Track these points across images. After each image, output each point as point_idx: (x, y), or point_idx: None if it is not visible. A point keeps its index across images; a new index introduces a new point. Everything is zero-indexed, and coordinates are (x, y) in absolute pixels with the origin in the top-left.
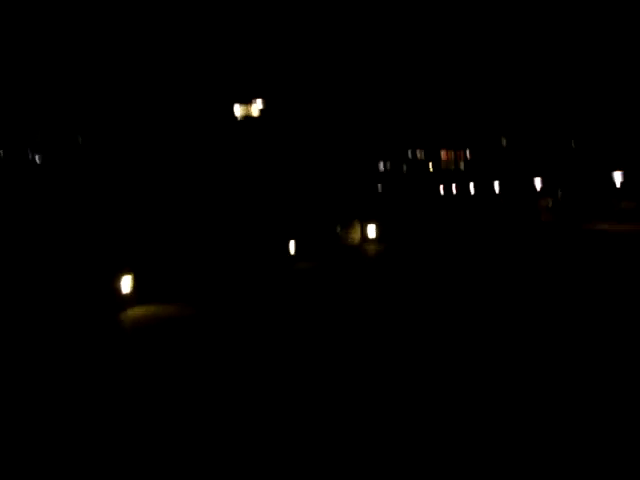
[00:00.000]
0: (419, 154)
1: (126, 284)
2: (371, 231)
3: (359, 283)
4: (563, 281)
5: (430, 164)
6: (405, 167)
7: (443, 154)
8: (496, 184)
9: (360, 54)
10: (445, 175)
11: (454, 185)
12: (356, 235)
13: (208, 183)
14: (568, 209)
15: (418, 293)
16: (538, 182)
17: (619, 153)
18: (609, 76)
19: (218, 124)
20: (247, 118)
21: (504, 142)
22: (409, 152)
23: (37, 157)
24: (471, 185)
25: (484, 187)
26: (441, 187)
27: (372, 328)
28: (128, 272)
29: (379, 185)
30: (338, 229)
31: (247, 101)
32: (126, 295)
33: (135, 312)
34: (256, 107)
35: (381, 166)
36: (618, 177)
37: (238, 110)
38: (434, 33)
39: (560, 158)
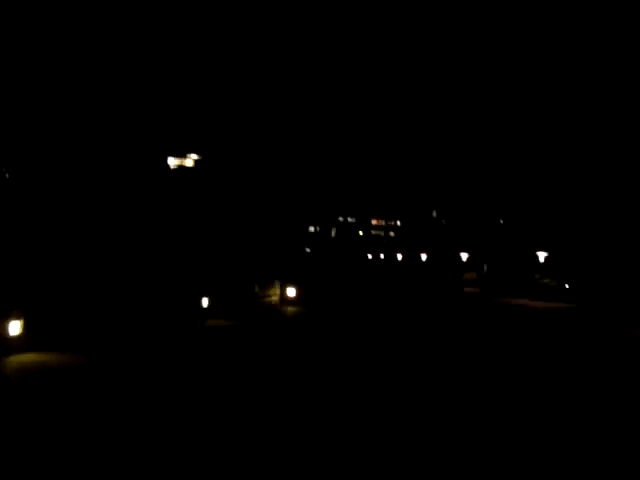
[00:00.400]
0: (350, 220)
1: (14, 327)
2: (291, 292)
3: (271, 346)
4: (473, 349)
5: (360, 231)
6: (334, 231)
7: (374, 221)
8: (423, 255)
9: (296, 119)
10: (374, 242)
11: (382, 253)
12: (275, 295)
13: (123, 225)
14: (491, 283)
15: (335, 362)
16: (464, 256)
17: (544, 233)
18: (538, 159)
19: (151, 173)
20: (181, 168)
21: (434, 214)
22: (340, 218)
23: None
24: (399, 254)
25: (412, 256)
26: (369, 253)
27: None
28: (17, 314)
29: (306, 248)
30: (256, 288)
31: (182, 154)
32: (13, 339)
33: (22, 358)
34: (190, 160)
35: (311, 229)
36: (541, 256)
37: (172, 161)
38: (372, 101)
39: (488, 234)
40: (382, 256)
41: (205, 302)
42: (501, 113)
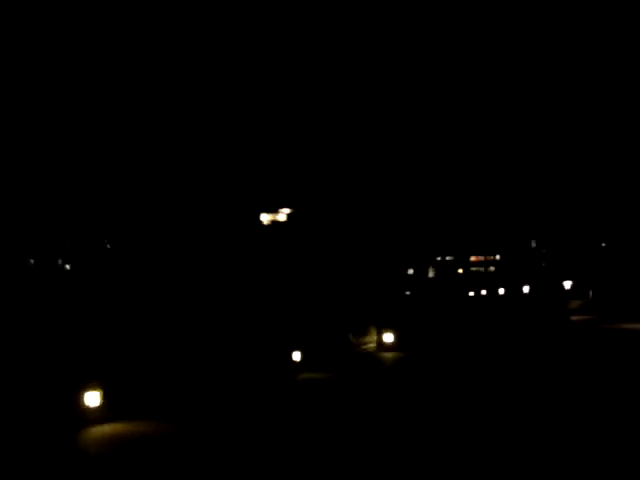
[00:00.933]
0: (448, 258)
1: (93, 398)
2: (388, 338)
3: (372, 403)
4: (584, 385)
5: (459, 269)
6: (432, 271)
7: (473, 258)
8: (525, 287)
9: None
10: (474, 278)
11: (483, 289)
12: (371, 342)
13: (212, 283)
14: (600, 309)
15: (436, 418)
16: (568, 283)
17: None
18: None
19: (245, 229)
20: (274, 223)
21: (534, 244)
22: (438, 257)
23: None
24: (500, 289)
25: (514, 290)
26: (470, 291)
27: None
28: (96, 384)
29: (405, 291)
30: (351, 336)
31: (274, 210)
32: (92, 410)
33: (104, 429)
34: (282, 214)
35: (410, 271)
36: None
37: (265, 217)
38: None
39: (591, 259)
40: (484, 292)
41: (297, 356)
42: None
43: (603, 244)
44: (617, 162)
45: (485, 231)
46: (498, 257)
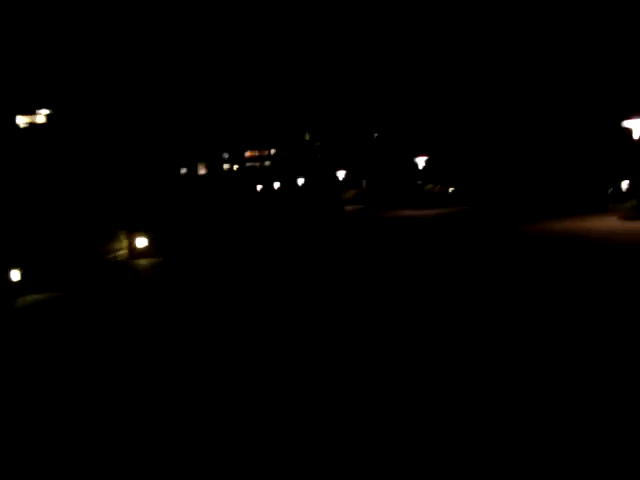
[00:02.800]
0: (225, 155)
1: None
2: (141, 242)
3: (111, 325)
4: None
5: (234, 165)
6: (204, 169)
7: (248, 153)
8: (300, 180)
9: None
10: (250, 174)
11: (258, 184)
12: (121, 249)
13: None
14: (373, 198)
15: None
16: (342, 174)
17: (421, 139)
18: (405, 65)
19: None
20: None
21: (307, 137)
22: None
23: None
24: (276, 183)
25: (289, 183)
26: (244, 186)
27: None
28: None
29: (169, 191)
30: (93, 244)
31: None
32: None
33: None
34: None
35: (183, 170)
36: (421, 161)
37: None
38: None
39: (363, 149)
40: (258, 187)
41: (16, 274)
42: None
43: (375, 134)
44: (387, 55)
45: (259, 126)
46: (273, 151)
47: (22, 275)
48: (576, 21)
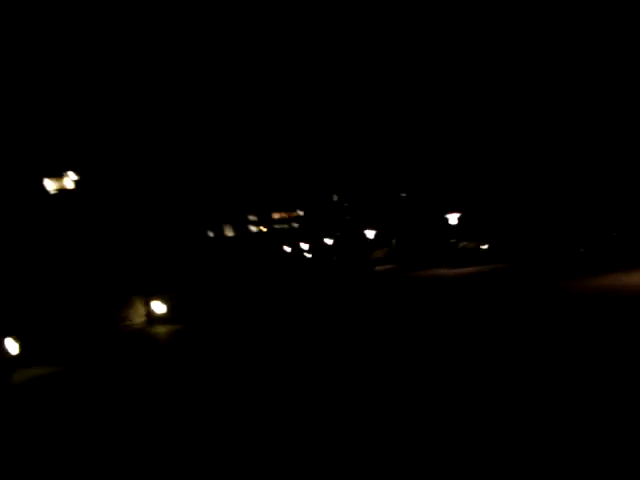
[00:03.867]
0: (252, 218)
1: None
2: (159, 308)
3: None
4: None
5: (262, 227)
6: (231, 230)
7: (276, 215)
8: (329, 240)
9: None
10: (278, 235)
11: (287, 245)
12: (138, 316)
13: None
14: (404, 257)
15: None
16: (371, 234)
17: (452, 195)
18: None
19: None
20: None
21: (335, 198)
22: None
23: None
24: (304, 244)
25: (317, 244)
26: (272, 248)
27: None
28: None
29: (195, 254)
30: (107, 311)
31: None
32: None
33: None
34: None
35: (211, 233)
36: (453, 218)
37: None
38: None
39: (392, 208)
40: (288, 249)
41: (13, 346)
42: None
43: (403, 194)
44: (410, 113)
45: (286, 187)
46: (301, 213)
47: (20, 346)
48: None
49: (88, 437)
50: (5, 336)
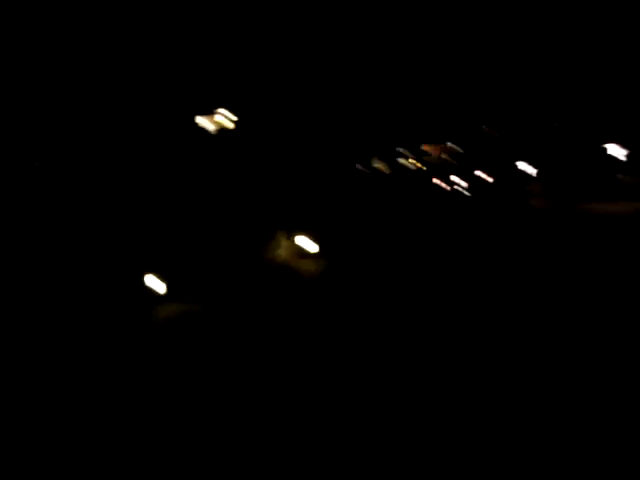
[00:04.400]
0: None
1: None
2: (305, 242)
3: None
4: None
5: (411, 160)
6: (380, 164)
7: (426, 148)
8: (481, 173)
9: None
10: (429, 169)
11: (438, 179)
12: (283, 249)
13: None
14: (561, 191)
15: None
16: (525, 166)
17: (612, 125)
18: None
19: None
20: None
21: (484, 128)
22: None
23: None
24: (454, 178)
25: (471, 178)
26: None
27: None
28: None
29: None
30: (251, 245)
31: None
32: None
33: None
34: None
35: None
36: (616, 150)
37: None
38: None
39: (546, 140)
40: (441, 183)
41: (155, 282)
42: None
43: (556, 124)
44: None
45: (434, 119)
46: (452, 145)
47: (164, 282)
48: None
49: (230, 379)
50: (148, 272)
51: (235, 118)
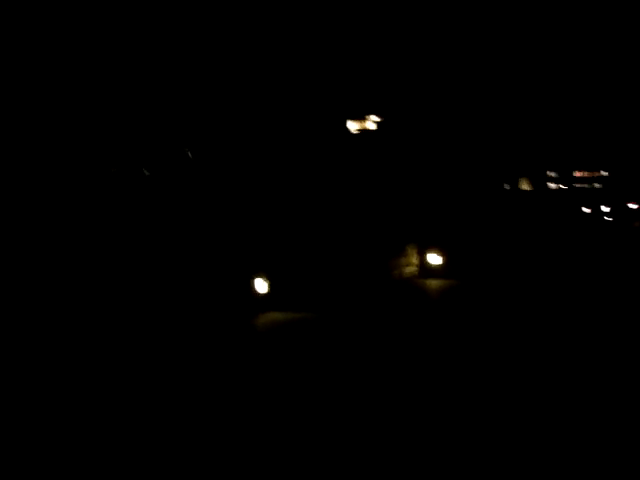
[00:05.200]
0: (551, 174)
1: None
2: (434, 259)
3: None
4: None
5: (560, 184)
6: (529, 185)
7: (577, 174)
8: (633, 205)
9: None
10: (578, 195)
11: (585, 206)
12: (410, 265)
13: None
14: None
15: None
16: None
17: None
18: None
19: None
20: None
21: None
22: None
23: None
24: (604, 207)
25: (619, 207)
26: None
27: None
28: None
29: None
30: (380, 259)
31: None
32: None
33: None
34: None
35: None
36: None
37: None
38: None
39: None
40: (587, 210)
41: (261, 285)
42: None
43: None
44: None
45: (590, 145)
46: (605, 173)
47: (270, 287)
48: None
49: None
50: (255, 274)
51: (382, 125)
